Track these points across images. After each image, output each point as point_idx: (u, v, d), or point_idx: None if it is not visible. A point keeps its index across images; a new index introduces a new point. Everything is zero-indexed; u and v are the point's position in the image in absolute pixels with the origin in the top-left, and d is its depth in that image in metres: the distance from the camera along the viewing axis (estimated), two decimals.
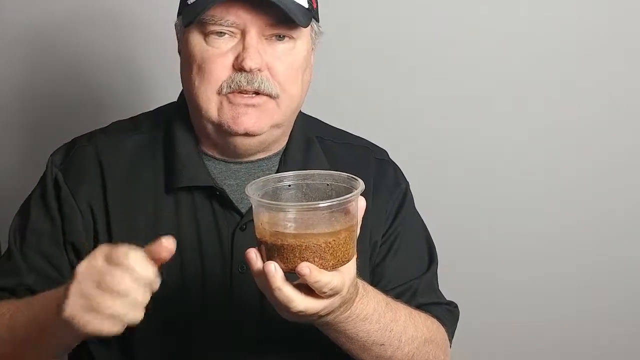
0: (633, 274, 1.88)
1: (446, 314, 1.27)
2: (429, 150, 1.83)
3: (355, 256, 0.96)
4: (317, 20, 1.21)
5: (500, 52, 1.79)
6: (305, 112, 1.30)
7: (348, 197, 0.91)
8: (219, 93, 1.13)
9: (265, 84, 1.13)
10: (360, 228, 1.16)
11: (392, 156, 1.36)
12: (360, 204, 0.96)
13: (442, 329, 1.23)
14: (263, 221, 0.92)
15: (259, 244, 0.93)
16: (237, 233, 1.17)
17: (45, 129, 1.84)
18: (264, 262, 0.91)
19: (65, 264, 1.18)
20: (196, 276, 1.16)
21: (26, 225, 1.20)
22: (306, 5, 1.15)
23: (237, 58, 1.12)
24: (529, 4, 1.78)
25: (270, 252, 0.91)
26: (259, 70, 1.12)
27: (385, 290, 1.16)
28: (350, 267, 0.95)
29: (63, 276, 1.16)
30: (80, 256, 1.15)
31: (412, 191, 1.33)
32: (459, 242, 1.84)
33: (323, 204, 0.90)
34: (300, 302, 0.91)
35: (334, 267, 0.91)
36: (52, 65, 1.83)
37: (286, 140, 1.25)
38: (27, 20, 1.81)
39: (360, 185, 0.94)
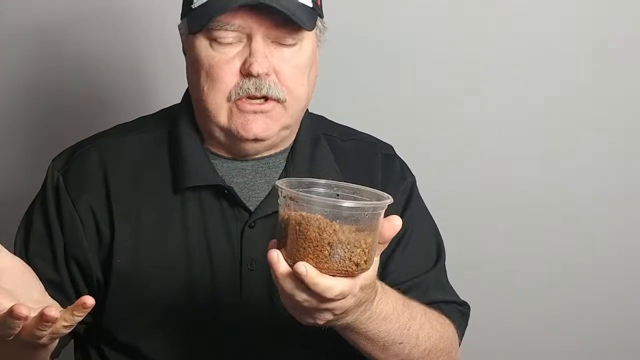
0: (634, 274, 1.88)
1: (456, 313, 1.27)
2: (430, 149, 1.83)
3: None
4: (322, 16, 1.21)
5: (501, 52, 1.79)
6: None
7: (379, 204, 0.92)
8: (228, 100, 1.13)
9: (273, 89, 1.12)
10: None
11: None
12: (395, 222, 0.95)
13: (451, 327, 1.23)
14: (290, 215, 0.91)
15: (279, 242, 0.92)
16: (246, 231, 1.17)
17: (50, 130, 1.83)
18: (292, 265, 0.90)
19: (65, 278, 1.18)
20: (205, 276, 1.16)
21: (29, 236, 1.19)
22: (310, 5, 1.15)
23: (244, 63, 1.12)
24: (530, 4, 1.78)
25: (291, 245, 0.90)
26: (266, 74, 1.11)
27: (395, 284, 1.16)
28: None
29: (65, 290, 1.17)
30: (84, 270, 1.17)
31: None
32: (460, 241, 1.82)
33: (350, 203, 0.90)
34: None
35: (348, 274, 0.91)
36: (56, 66, 1.82)
37: (293, 137, 1.24)
38: (32, 20, 1.80)
39: (389, 198, 0.93)
